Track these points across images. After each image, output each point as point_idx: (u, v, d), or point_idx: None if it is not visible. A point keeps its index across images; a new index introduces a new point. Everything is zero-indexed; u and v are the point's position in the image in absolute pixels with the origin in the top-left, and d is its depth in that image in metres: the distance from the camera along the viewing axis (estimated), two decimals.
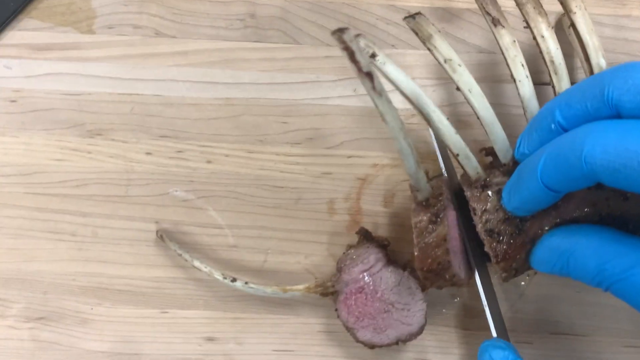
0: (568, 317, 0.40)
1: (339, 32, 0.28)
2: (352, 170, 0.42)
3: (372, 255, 0.38)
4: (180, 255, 0.40)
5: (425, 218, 0.36)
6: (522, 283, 0.40)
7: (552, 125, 0.31)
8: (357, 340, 0.38)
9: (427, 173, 0.36)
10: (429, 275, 0.36)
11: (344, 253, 0.39)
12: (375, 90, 0.29)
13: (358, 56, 0.28)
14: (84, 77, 0.43)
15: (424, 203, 0.37)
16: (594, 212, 0.34)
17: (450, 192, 0.38)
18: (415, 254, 0.36)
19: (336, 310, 0.38)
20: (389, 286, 0.38)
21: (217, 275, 0.39)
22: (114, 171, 0.42)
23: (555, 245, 0.33)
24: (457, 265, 0.36)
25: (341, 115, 0.42)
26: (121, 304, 0.41)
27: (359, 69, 0.29)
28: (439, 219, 0.36)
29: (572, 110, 0.30)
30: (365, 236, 0.39)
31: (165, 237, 0.41)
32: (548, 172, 0.30)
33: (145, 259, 0.41)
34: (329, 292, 0.38)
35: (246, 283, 0.39)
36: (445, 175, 0.39)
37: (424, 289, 0.38)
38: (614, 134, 0.27)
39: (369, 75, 0.29)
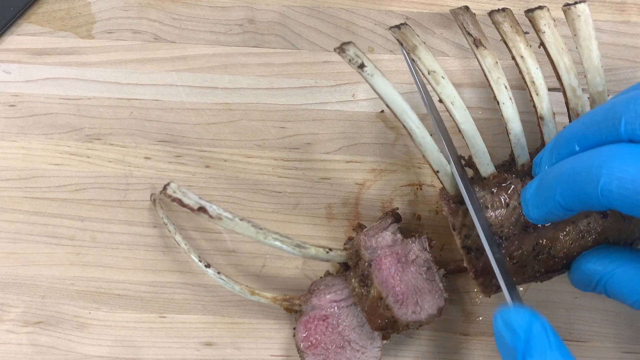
0: (567, 322, 0.40)
1: (163, 191, 0.34)
2: (350, 175, 0.42)
3: (347, 289, 0.38)
4: (166, 224, 0.40)
5: (356, 284, 0.37)
6: (521, 289, 0.40)
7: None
8: None
9: (329, 249, 0.37)
10: (385, 332, 0.37)
11: (320, 277, 0.39)
12: (214, 218, 0.35)
13: (186, 201, 0.35)
14: (83, 82, 0.43)
15: (344, 270, 0.38)
16: (574, 230, 0.34)
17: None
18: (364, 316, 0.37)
19: (294, 328, 0.38)
20: (352, 324, 0.37)
21: (193, 256, 0.39)
22: (113, 176, 0.42)
23: (591, 271, 0.33)
24: (411, 311, 0.36)
25: (339, 120, 0.42)
26: (119, 309, 0.41)
27: (192, 209, 0.35)
28: (368, 280, 0.36)
29: (589, 142, 0.30)
30: (346, 267, 0.39)
31: (157, 202, 0.41)
32: (565, 198, 0.30)
33: (144, 264, 0.41)
34: (293, 309, 0.38)
35: (218, 273, 0.39)
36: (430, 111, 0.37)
37: (384, 337, 0.37)
38: (631, 166, 0.27)
39: (203, 209, 0.35)
